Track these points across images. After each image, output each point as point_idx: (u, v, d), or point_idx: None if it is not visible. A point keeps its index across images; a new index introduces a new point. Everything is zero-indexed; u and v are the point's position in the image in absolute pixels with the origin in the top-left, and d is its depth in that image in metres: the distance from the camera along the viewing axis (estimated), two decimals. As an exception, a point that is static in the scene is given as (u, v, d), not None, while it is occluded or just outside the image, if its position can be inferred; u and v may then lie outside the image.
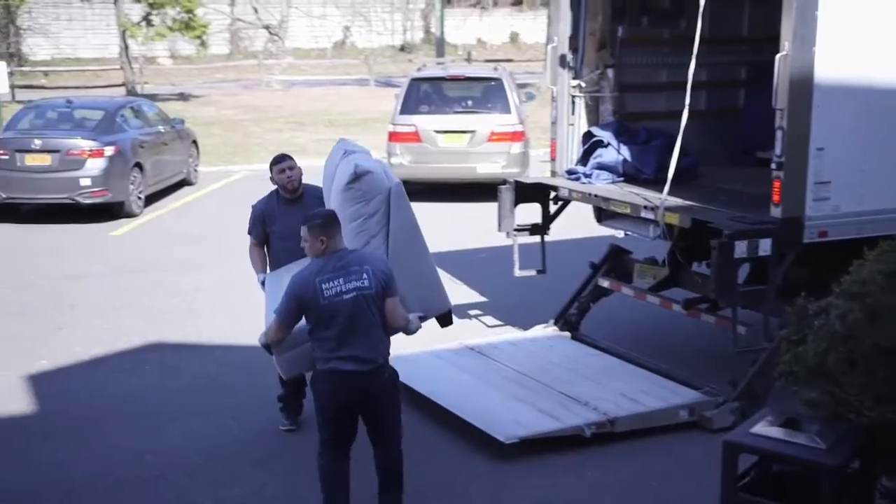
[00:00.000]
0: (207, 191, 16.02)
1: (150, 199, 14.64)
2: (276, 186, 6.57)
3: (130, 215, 13.78)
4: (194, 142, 16.93)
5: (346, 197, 5.48)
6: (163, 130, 15.50)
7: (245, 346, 8.05)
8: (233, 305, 9.29)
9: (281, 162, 6.54)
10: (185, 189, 16.09)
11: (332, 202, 5.73)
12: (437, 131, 14.49)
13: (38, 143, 13.45)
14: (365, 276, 4.99)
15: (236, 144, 20.99)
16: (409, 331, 5.27)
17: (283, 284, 5.52)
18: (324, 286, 4.92)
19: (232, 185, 16.67)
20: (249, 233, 6.65)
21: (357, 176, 5.46)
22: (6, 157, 13.34)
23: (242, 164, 18.70)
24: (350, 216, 5.44)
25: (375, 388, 5.09)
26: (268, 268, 6.62)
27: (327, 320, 4.95)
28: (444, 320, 5.84)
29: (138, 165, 14.07)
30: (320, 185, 6.55)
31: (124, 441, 6.46)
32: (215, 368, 7.74)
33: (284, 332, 5.08)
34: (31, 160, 13.33)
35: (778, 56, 6.20)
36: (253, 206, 6.68)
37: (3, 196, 13.38)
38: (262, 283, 6.40)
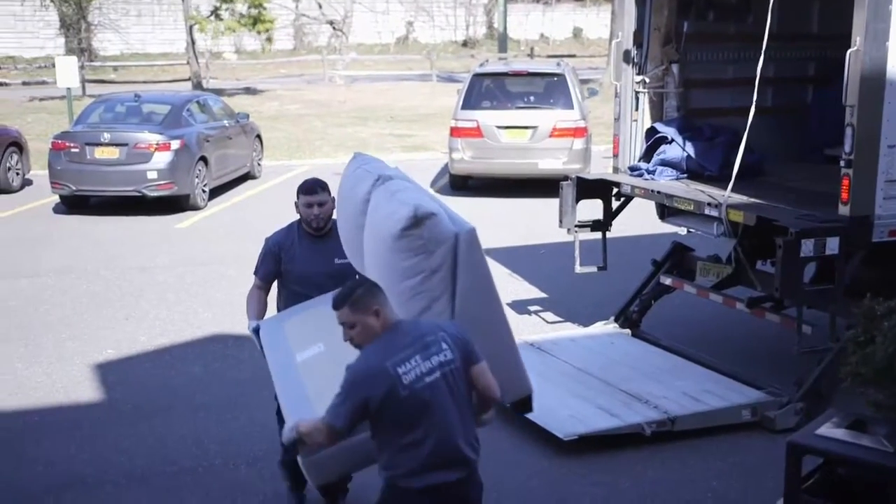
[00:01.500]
0: (270, 185, 16.19)
1: (215, 193, 14.84)
2: (298, 217, 5.42)
3: (195, 208, 13.99)
4: (258, 136, 17.13)
5: (400, 246, 4.14)
6: (227, 125, 15.70)
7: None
8: (294, 298, 9.38)
9: (309, 194, 5.27)
10: (249, 183, 16.28)
11: (372, 250, 4.44)
12: (499, 127, 14.46)
13: (106, 136, 13.70)
14: (444, 345, 3.78)
15: (300, 139, 21.19)
16: (485, 421, 4.09)
17: (285, 341, 4.71)
18: (400, 370, 3.68)
19: (294, 179, 16.80)
20: (256, 272, 5.44)
21: (417, 220, 4.09)
22: (76, 150, 13.62)
23: (305, 158, 18.88)
24: (405, 272, 4.14)
25: (475, 496, 3.99)
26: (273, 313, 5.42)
27: (411, 418, 3.71)
28: (523, 406, 4.59)
29: (203, 159, 14.27)
30: None
31: (188, 430, 6.56)
32: (277, 360, 7.81)
33: (337, 441, 3.81)
34: (100, 153, 13.59)
35: (849, 52, 6.08)
36: (267, 240, 5.47)
37: (73, 188, 13.67)
38: (256, 332, 5.12)
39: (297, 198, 5.31)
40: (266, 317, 5.29)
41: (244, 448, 6.27)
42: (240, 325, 8.72)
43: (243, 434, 6.49)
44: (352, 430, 3.75)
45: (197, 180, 14.02)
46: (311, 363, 4.30)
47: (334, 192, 5.23)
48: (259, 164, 17.02)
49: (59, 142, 13.87)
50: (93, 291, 9.95)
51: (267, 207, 14.23)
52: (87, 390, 7.33)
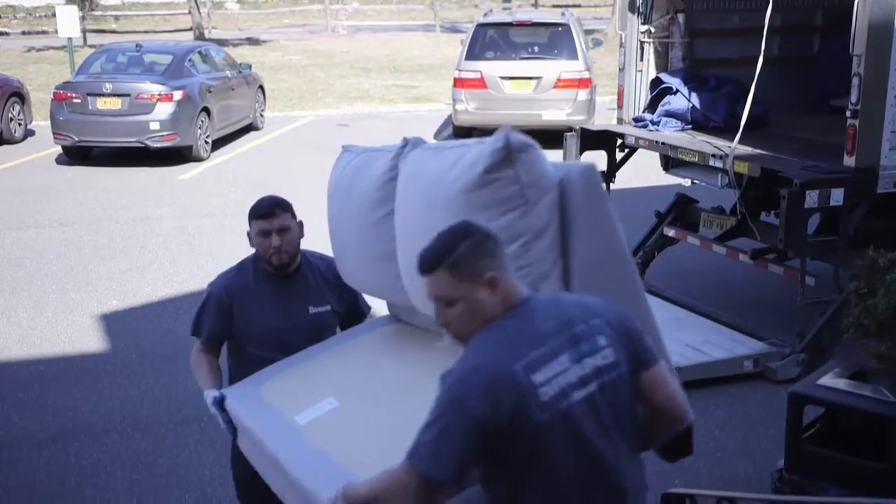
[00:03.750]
0: (273, 136, 16.13)
1: (217, 144, 14.80)
2: (253, 251, 3.84)
3: (198, 159, 13.96)
4: (261, 87, 17.05)
5: (481, 201, 2.73)
6: (230, 75, 15.62)
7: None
8: (298, 249, 9.40)
9: (264, 217, 3.71)
10: (252, 134, 16.23)
11: (421, 226, 2.87)
12: (503, 77, 14.36)
13: (108, 86, 13.64)
14: (602, 339, 2.43)
15: (302, 90, 21.08)
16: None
17: (268, 407, 3.32)
18: (536, 378, 2.31)
19: (297, 130, 16.77)
20: (196, 332, 3.89)
21: (511, 152, 2.70)
22: (78, 100, 13.57)
23: (308, 109, 18.79)
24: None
25: None
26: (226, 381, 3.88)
27: (552, 459, 2.34)
28: (680, 447, 2.94)
29: (206, 110, 14.21)
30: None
31: (192, 380, 6.56)
32: (281, 311, 7.84)
33: (438, 498, 2.34)
34: (103, 104, 13.54)
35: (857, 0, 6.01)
36: (210, 286, 3.89)
37: (76, 139, 13.63)
38: (218, 405, 3.52)
39: (249, 225, 3.77)
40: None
41: (249, 398, 6.31)
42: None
43: (248, 384, 6.52)
44: (462, 480, 2.32)
45: (199, 131, 13.98)
46: (324, 423, 3.08)
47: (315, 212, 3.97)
48: (262, 116, 16.95)
49: (61, 92, 13.81)
50: (96, 243, 9.96)
51: (270, 159, 14.20)
52: (92, 340, 7.37)
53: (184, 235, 10.16)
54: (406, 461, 2.28)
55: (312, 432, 3.07)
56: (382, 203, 3.26)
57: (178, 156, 13.83)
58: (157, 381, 6.60)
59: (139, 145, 13.58)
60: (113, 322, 7.72)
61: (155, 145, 13.55)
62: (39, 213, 11.15)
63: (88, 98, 13.54)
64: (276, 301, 3.79)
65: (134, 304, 8.14)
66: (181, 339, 7.30)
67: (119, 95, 13.54)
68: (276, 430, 3.20)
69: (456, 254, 2.39)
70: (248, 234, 3.79)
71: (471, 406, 2.26)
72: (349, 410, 3.13)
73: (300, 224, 3.81)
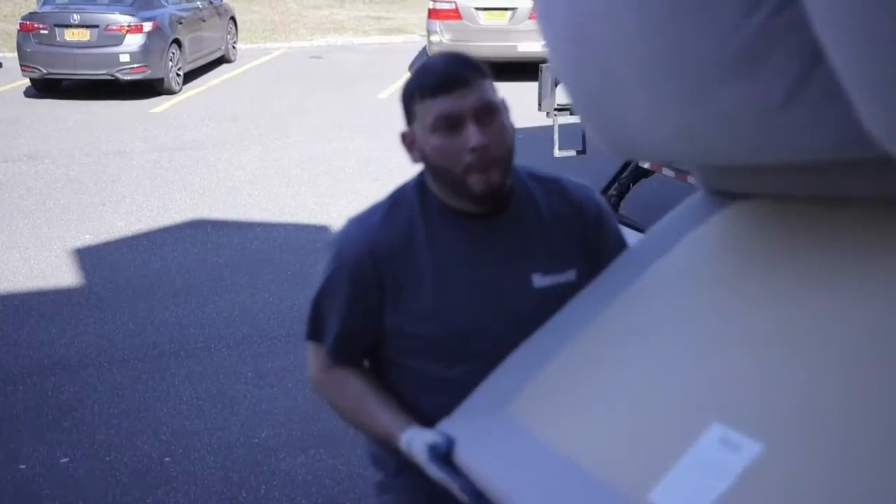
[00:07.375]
0: (246, 68, 15.92)
1: (189, 77, 14.60)
2: (419, 171, 1.92)
3: (170, 92, 13.77)
4: (232, 18, 16.78)
5: None
6: (200, 6, 15.35)
7: (285, 224, 8.16)
8: (272, 183, 9.35)
9: (450, 89, 1.84)
10: (224, 66, 16.01)
11: None
12: (478, 8, 14.20)
13: (76, 17, 13.38)
14: None
15: (275, 21, 20.78)
16: None
17: (598, 485, 1.33)
18: None
19: (270, 62, 16.56)
20: (313, 335, 1.99)
21: None
22: (45, 31, 13.31)
23: (281, 41, 18.54)
24: None
25: None
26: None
27: None
28: None
29: (177, 42, 13.99)
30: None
31: (168, 314, 6.59)
32: (256, 244, 7.83)
33: None
34: (71, 35, 13.30)
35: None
36: (338, 248, 1.89)
37: (44, 71, 13.40)
38: (442, 458, 1.62)
39: (409, 115, 1.89)
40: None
41: (225, 332, 6.32)
42: (218, 210, 8.72)
43: (223, 318, 6.53)
44: None
45: (171, 64, 13.77)
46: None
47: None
48: (234, 48, 16.72)
49: (28, 23, 13.54)
50: (68, 177, 9.85)
51: (243, 91, 14.04)
52: (66, 275, 7.33)
53: (157, 169, 10.07)
54: None
55: None
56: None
57: (149, 89, 13.64)
58: (132, 315, 6.58)
59: (109, 78, 13.38)
60: (86, 256, 7.67)
61: (125, 78, 13.35)
62: (9, 146, 11.00)
63: (56, 29, 13.29)
64: (468, 267, 1.90)
65: (107, 238, 8.09)
66: (156, 274, 7.29)
67: (87, 27, 13.30)
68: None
69: None
70: (405, 138, 1.91)
71: None
72: (805, 454, 1.20)
73: (507, 110, 1.98)
